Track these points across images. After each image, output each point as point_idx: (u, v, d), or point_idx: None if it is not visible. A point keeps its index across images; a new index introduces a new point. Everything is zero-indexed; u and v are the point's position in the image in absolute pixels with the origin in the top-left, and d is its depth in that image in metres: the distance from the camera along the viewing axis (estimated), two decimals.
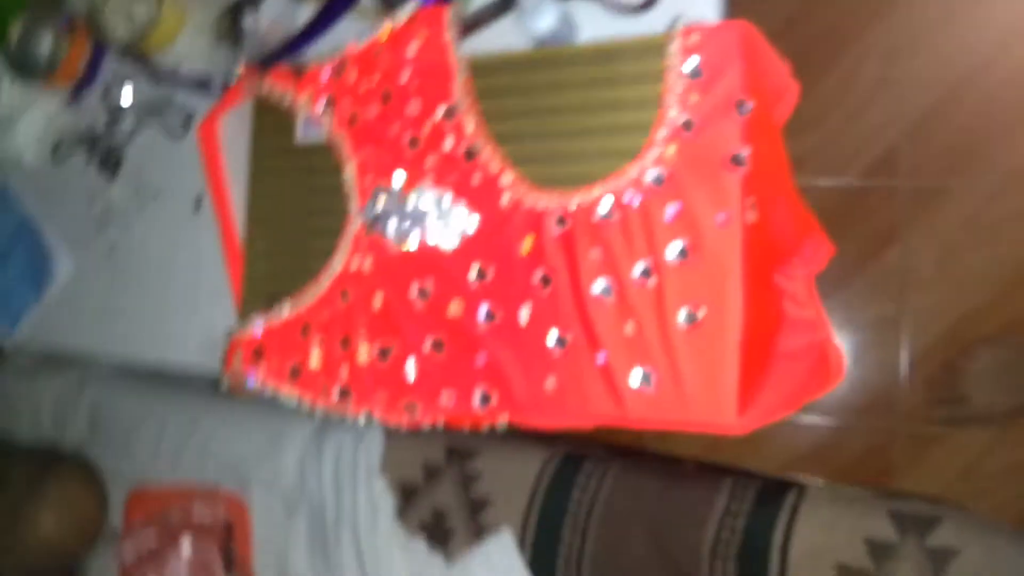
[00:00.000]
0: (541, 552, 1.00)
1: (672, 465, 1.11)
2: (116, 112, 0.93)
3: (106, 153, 0.92)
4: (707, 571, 0.92)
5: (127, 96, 0.92)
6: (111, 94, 0.93)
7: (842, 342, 0.68)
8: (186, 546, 1.11)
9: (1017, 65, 1.33)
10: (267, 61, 0.84)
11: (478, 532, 1.03)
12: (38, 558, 1.14)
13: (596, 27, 0.73)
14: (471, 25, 0.76)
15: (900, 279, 1.36)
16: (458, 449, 1.08)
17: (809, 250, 0.70)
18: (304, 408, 0.73)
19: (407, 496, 1.08)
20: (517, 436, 0.94)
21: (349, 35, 0.80)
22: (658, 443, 1.47)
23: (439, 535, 1.05)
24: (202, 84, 0.88)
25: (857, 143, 1.42)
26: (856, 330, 1.38)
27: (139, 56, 0.91)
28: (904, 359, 1.37)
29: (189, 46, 0.89)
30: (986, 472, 1.31)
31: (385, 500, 1.07)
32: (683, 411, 0.62)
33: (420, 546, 1.05)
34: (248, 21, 0.86)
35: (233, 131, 0.85)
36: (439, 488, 1.07)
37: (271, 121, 0.79)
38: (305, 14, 0.85)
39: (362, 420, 0.73)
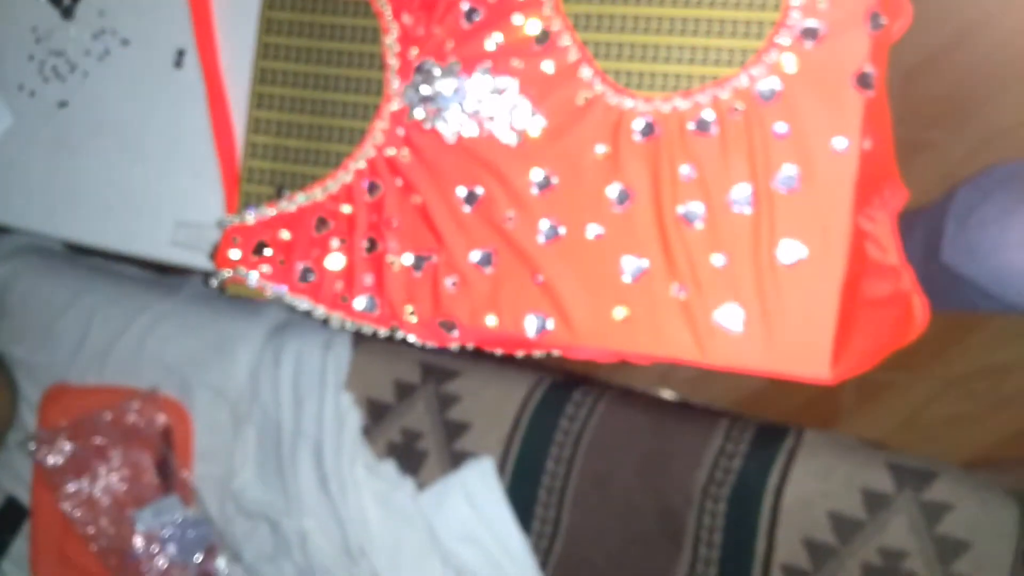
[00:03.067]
0: (522, 481, 0.95)
1: (662, 402, 1.07)
2: None
3: None
4: (696, 510, 0.90)
5: None
6: None
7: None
8: (115, 453, 0.99)
9: (1016, 26, 1.31)
10: None
11: (454, 458, 0.97)
12: None
13: None
14: None
15: None
16: (435, 368, 1.00)
17: (889, 191, 0.65)
18: (316, 316, 0.62)
19: (376, 414, 1.00)
20: (498, 359, 0.86)
21: None
22: (611, 372, 1.44)
23: (410, 458, 0.98)
24: None
25: None
26: None
27: None
28: None
29: None
30: (929, 421, 1.35)
31: (351, 417, 0.98)
32: (771, 358, 0.55)
33: (389, 469, 0.97)
34: None
35: None
36: (412, 409, 0.99)
37: None
38: None
39: (333, 323, 0.63)
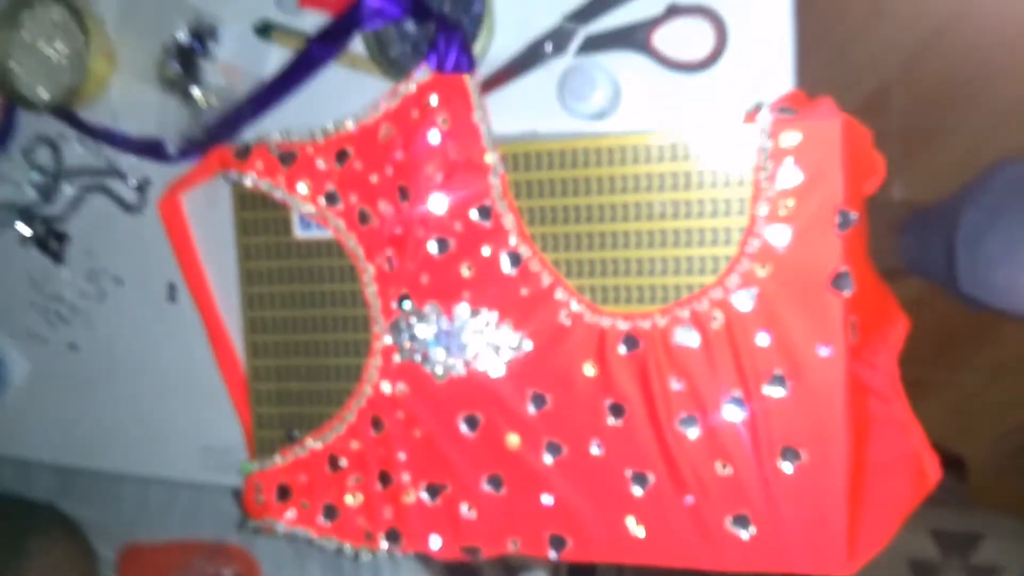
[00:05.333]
0: None
1: None
2: (48, 180, 0.77)
3: (44, 230, 0.77)
4: None
5: (56, 160, 0.76)
6: (35, 155, 0.77)
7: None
8: None
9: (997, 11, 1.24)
10: (233, 123, 0.70)
11: (510, 571, 1.00)
12: None
13: (641, 86, 0.61)
14: (489, 84, 0.63)
15: (901, 218, 1.32)
16: None
17: (892, 333, 0.64)
18: (347, 555, 0.65)
19: None
20: None
21: (335, 86, 0.67)
22: None
23: (467, 575, 1.01)
24: (152, 148, 0.73)
25: (849, 78, 1.33)
26: None
27: (64, 111, 0.74)
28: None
29: (126, 97, 0.73)
30: (976, 412, 1.34)
31: None
32: (788, 561, 0.56)
33: None
34: (201, 67, 0.70)
35: (204, 203, 0.72)
36: None
37: (258, 216, 0.66)
38: (273, 58, 0.70)
39: (363, 557, 0.66)
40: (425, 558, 1.02)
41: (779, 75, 0.60)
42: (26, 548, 1.05)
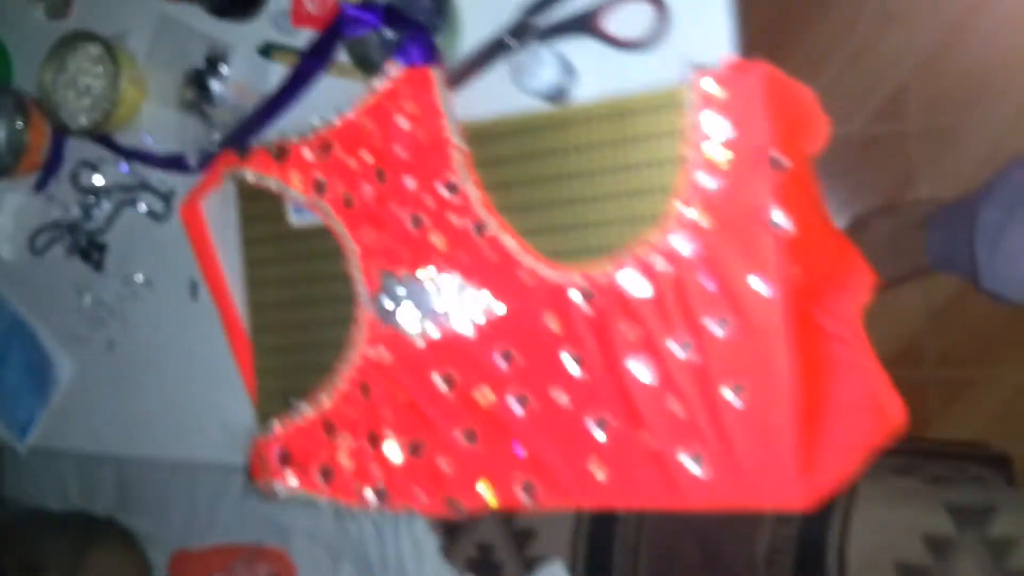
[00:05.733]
0: None
1: None
2: (89, 197, 0.87)
3: (87, 242, 0.87)
4: None
5: (98, 179, 0.86)
6: (80, 179, 0.87)
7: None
8: None
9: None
10: (242, 133, 0.78)
11: (527, 564, 1.02)
12: None
13: (598, 68, 0.67)
14: (460, 76, 0.69)
15: (928, 216, 1.32)
16: None
17: (852, 283, 0.66)
18: (342, 511, 0.70)
19: (450, 534, 1.07)
20: None
21: (327, 95, 0.75)
22: None
23: (488, 570, 1.04)
24: (176, 162, 0.82)
25: (864, 85, 1.35)
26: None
27: (102, 136, 0.84)
28: (928, 305, 1.33)
29: (154, 120, 0.83)
30: (1020, 410, 1.30)
31: (428, 540, 1.05)
32: (742, 493, 0.58)
33: None
34: (215, 88, 0.80)
35: (219, 207, 0.80)
36: (481, 523, 1.05)
37: (260, 207, 0.74)
38: (275, 75, 0.79)
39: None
40: (448, 553, 1.05)
41: (719, 46, 0.64)
42: (85, 557, 1.13)
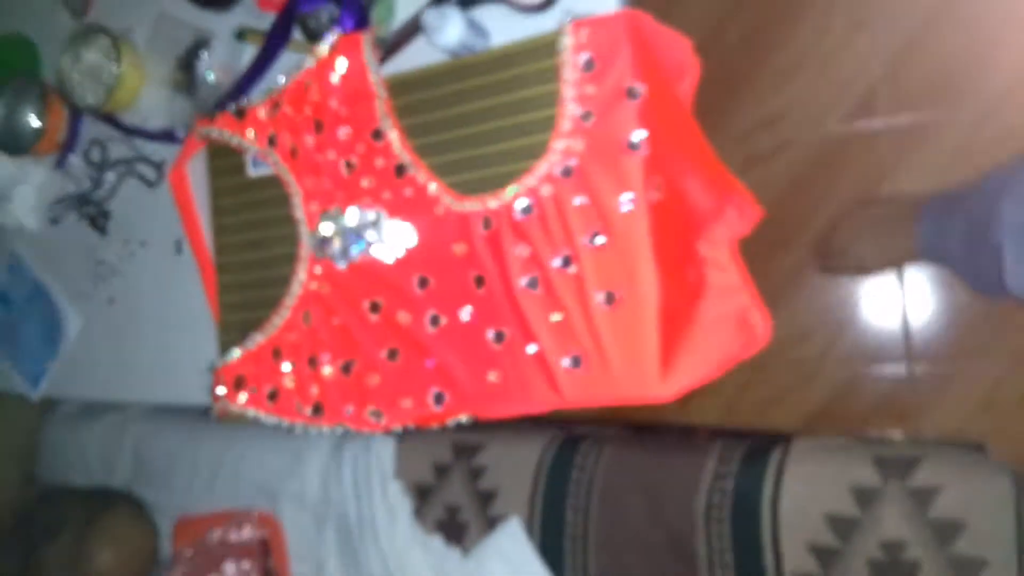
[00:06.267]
0: (549, 535, 1.04)
1: (667, 435, 1.14)
2: (98, 171, 1.00)
3: (95, 210, 0.99)
4: (704, 535, 0.95)
5: (103, 156, 0.99)
6: (91, 155, 1.01)
7: (763, 308, 0.69)
8: (227, 565, 1.18)
9: None
10: (219, 105, 0.90)
11: (489, 523, 1.08)
12: None
13: (505, 29, 0.76)
14: (390, 49, 0.80)
15: (915, 208, 1.35)
16: (464, 445, 1.12)
17: (732, 214, 0.72)
18: (283, 429, 0.78)
19: (422, 496, 1.13)
20: (518, 425, 0.97)
21: (287, 68, 0.86)
22: (679, 414, 1.49)
23: (454, 530, 1.10)
24: (167, 135, 0.94)
25: (836, 89, 1.40)
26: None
27: (109, 116, 0.97)
28: (911, 300, 1.36)
29: (151, 100, 0.96)
30: (1005, 401, 1.30)
31: (401, 502, 1.12)
32: (613, 389, 0.65)
33: (437, 543, 1.10)
34: (199, 70, 0.92)
35: (201, 173, 0.91)
36: (450, 485, 1.11)
37: (224, 163, 0.85)
38: (248, 54, 0.90)
39: (297, 431, 0.78)
40: (419, 514, 1.12)
41: (606, 5, 0.73)
42: (96, 521, 1.24)
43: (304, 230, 0.78)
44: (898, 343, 1.37)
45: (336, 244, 0.76)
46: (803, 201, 1.42)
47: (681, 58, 0.70)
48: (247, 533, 1.19)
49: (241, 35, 0.90)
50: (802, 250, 1.43)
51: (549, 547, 1.03)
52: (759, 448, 0.95)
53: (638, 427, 1.23)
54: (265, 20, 0.88)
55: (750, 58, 1.45)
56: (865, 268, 1.31)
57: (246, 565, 1.19)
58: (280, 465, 1.22)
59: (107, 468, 1.37)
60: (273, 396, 0.80)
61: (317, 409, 0.77)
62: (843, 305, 1.40)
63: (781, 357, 1.45)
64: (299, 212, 0.79)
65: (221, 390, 0.82)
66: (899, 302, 1.36)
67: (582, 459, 1.04)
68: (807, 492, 0.90)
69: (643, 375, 0.64)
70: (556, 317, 0.67)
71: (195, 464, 1.28)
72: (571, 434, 1.08)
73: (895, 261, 1.27)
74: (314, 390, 0.78)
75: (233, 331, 0.84)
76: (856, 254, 1.28)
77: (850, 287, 1.37)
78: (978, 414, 1.32)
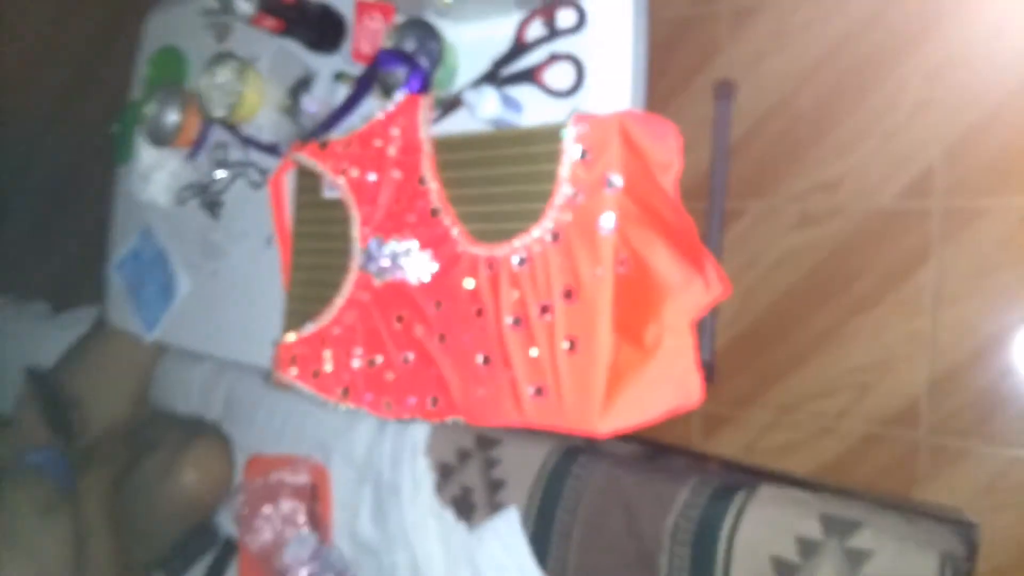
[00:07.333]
0: (540, 527, 1.20)
1: (677, 459, 1.27)
2: (219, 168, 1.22)
3: (211, 199, 1.22)
4: (667, 552, 1.08)
5: (226, 156, 1.22)
6: (215, 154, 1.23)
7: (699, 369, 0.82)
8: (282, 502, 1.41)
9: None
10: (316, 132, 1.10)
11: (494, 507, 1.25)
12: (179, 507, 1.49)
13: (538, 107, 0.92)
14: (439, 116, 0.97)
15: (933, 295, 1.41)
16: (485, 438, 1.30)
17: (699, 288, 0.85)
18: (319, 402, 0.98)
19: (444, 474, 1.32)
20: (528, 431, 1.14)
21: (365, 113, 1.04)
22: (702, 442, 1.61)
23: (464, 508, 1.28)
24: (273, 149, 1.16)
25: (894, 164, 1.46)
26: (884, 345, 1.44)
27: (231, 126, 1.20)
28: (931, 373, 1.41)
29: (265, 118, 1.17)
30: (1006, 487, 1.34)
31: (426, 476, 1.31)
32: (563, 418, 0.80)
33: (449, 516, 1.28)
34: (304, 100, 1.12)
35: (292, 186, 1.12)
36: (467, 469, 1.29)
37: (307, 182, 1.05)
38: (341, 93, 1.10)
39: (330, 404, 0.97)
40: (439, 488, 1.30)
41: (621, 98, 0.87)
42: (188, 445, 1.49)
43: (357, 248, 0.97)
44: (918, 411, 1.43)
45: (379, 265, 0.94)
46: (847, 266, 1.50)
47: (670, 152, 0.83)
48: (302, 478, 1.42)
49: (339, 77, 1.10)
50: (840, 311, 1.51)
51: (538, 538, 1.19)
52: (729, 487, 1.07)
53: (657, 446, 1.36)
54: (357, 69, 1.08)
55: (818, 123, 1.53)
56: None
57: (298, 504, 1.42)
58: (337, 426, 1.44)
59: (204, 403, 1.63)
60: (316, 375, 0.99)
61: (345, 392, 0.96)
62: (872, 368, 1.47)
63: (806, 408, 1.54)
64: (355, 232, 0.98)
65: (280, 364, 1.02)
66: (926, 372, 1.42)
67: (579, 469, 1.19)
68: (759, 534, 1.02)
69: (587, 411, 0.78)
70: (533, 352, 0.82)
71: (271, 413, 1.51)
72: (574, 445, 1.24)
73: None
74: (346, 376, 0.97)
75: (294, 317, 1.04)
76: None
77: (879, 354, 1.45)
78: (980, 495, 1.37)
